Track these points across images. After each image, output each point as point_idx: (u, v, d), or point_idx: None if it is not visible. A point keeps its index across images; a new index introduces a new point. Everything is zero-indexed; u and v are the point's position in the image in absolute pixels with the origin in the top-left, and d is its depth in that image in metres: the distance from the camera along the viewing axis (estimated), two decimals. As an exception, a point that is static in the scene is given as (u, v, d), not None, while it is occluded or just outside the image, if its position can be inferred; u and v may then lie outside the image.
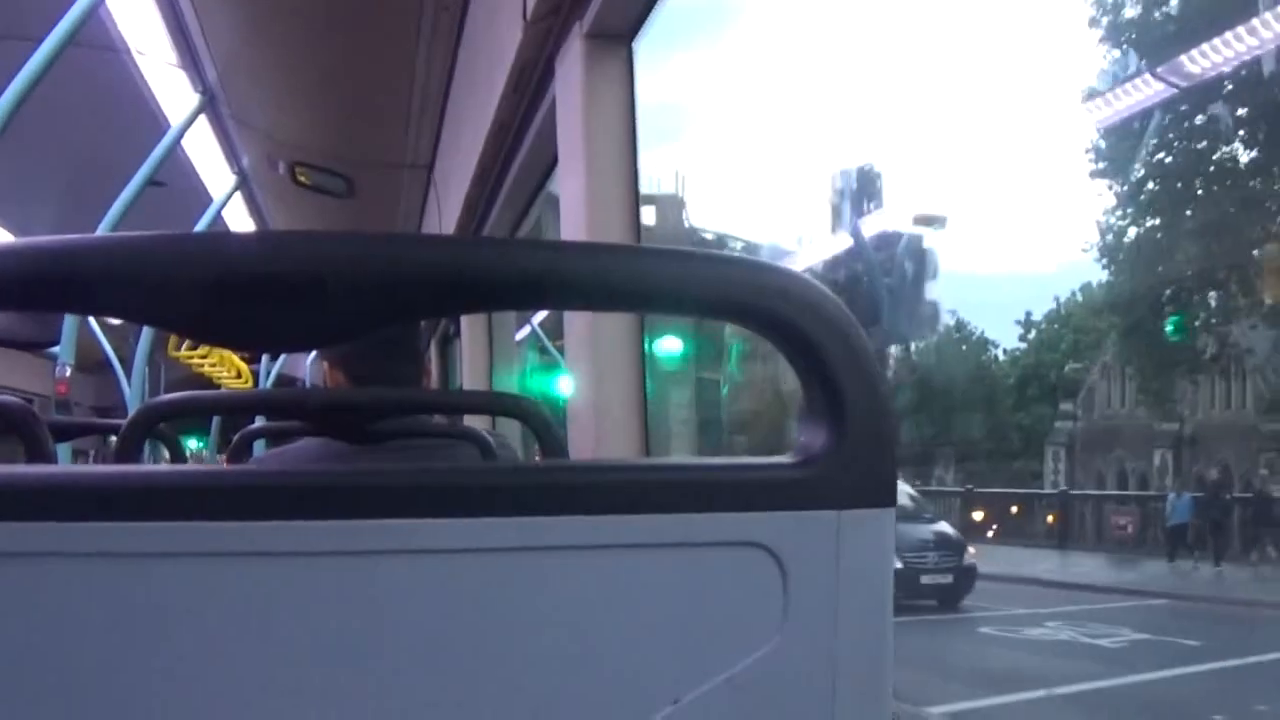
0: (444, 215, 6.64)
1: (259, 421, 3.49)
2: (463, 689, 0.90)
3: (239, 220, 11.93)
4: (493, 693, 0.91)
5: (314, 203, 8.05)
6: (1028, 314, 36.14)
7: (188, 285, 0.85)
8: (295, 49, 5.90)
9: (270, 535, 0.87)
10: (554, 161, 3.47)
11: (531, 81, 3.74)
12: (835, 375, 0.95)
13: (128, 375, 15.70)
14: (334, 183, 7.59)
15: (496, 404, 3.40)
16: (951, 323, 34.57)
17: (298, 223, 10.06)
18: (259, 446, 4.62)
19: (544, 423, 2.64)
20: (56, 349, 12.70)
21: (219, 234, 0.93)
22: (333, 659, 0.88)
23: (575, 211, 3.09)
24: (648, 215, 32.11)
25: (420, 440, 2.91)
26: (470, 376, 6.98)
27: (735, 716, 0.94)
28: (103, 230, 10.20)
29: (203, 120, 8.66)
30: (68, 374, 11.98)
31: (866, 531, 0.96)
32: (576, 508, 0.92)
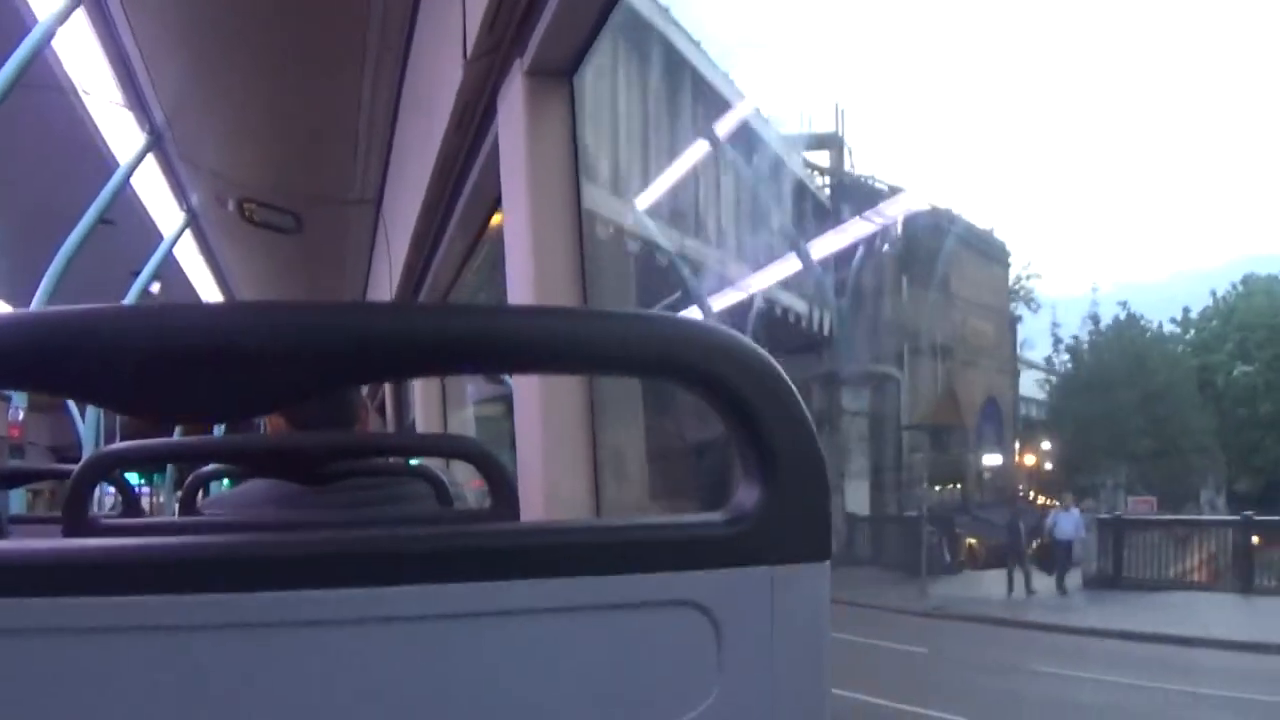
0: (393, 250, 6.62)
1: (213, 465, 3.48)
2: None
3: (189, 257, 11.86)
4: None
5: (263, 239, 8.03)
6: (1185, 310, 30.77)
7: (119, 360, 0.86)
8: (242, 88, 5.89)
9: (204, 609, 0.87)
10: (499, 195, 3.48)
11: (474, 118, 3.75)
12: (766, 433, 0.96)
13: (82, 414, 15.56)
14: (283, 219, 7.57)
15: (447, 446, 3.38)
16: (1122, 316, 30.65)
17: (248, 259, 10.02)
18: (214, 485, 4.61)
19: (494, 467, 2.64)
20: (10, 391, 12.61)
21: (150, 307, 0.92)
22: None
23: (519, 247, 3.10)
24: (821, 159, 30.49)
25: (371, 480, 2.92)
26: (424, 408, 6.96)
27: None
28: (54, 268, 10.14)
29: (151, 159, 8.62)
30: (20, 417, 11.91)
31: (800, 586, 0.97)
32: (506, 572, 0.92)
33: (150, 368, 0.86)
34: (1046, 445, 31.25)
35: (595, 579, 0.94)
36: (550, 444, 2.94)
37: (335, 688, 0.89)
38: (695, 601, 0.95)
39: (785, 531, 0.97)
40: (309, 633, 0.89)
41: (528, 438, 3.07)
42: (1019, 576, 23.23)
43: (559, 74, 3.05)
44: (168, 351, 0.86)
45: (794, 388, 0.97)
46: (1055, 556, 23.33)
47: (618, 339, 0.96)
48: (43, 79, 7.36)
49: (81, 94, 7.74)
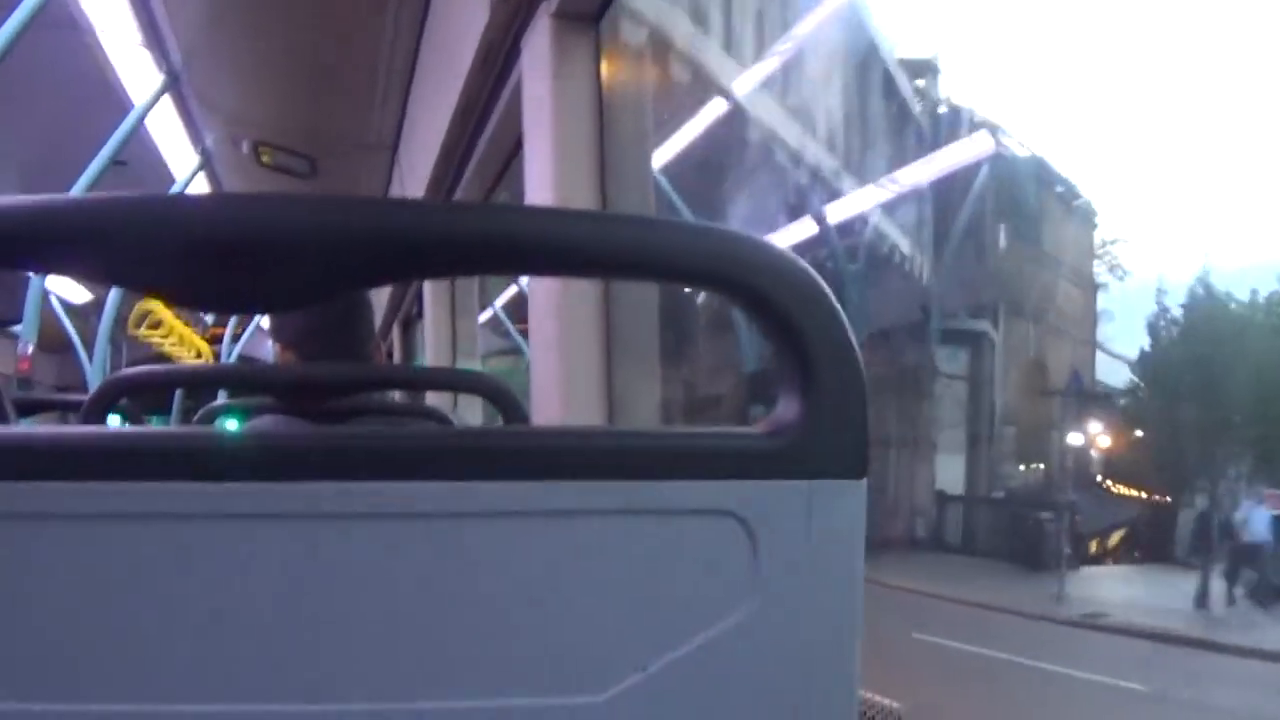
0: (408, 196, 6.62)
1: (222, 398, 3.49)
2: (428, 654, 0.91)
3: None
4: (458, 658, 0.92)
5: (277, 183, 8.00)
6: (1254, 292, 28.48)
7: (158, 247, 0.85)
8: (260, 29, 5.87)
9: (243, 498, 0.88)
10: (519, 142, 3.47)
11: (497, 61, 3.74)
12: (808, 347, 0.96)
13: (89, 355, 15.59)
14: (297, 163, 7.57)
15: (461, 380, 3.38)
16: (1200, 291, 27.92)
17: (260, 203, 9.99)
18: (221, 424, 4.62)
19: (509, 399, 2.64)
20: (18, 327, 12.60)
21: (190, 196, 0.93)
22: (297, 623, 0.89)
23: (541, 193, 3.09)
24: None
25: (380, 417, 2.93)
26: (434, 357, 6.96)
27: (703, 685, 0.95)
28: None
29: (166, 100, 8.60)
30: (29, 351, 11.89)
31: (837, 502, 0.97)
32: (547, 473, 0.92)
33: (197, 256, 0.86)
34: (1128, 428, 28.27)
35: (630, 484, 0.94)
36: (566, 370, 2.94)
37: (359, 581, 0.90)
38: (732, 511, 0.95)
39: (824, 446, 0.97)
40: (333, 525, 0.90)
41: (543, 364, 3.07)
42: (1208, 583, 19.94)
43: (586, 18, 3.04)
44: (216, 240, 0.86)
45: (836, 302, 0.98)
46: (1243, 560, 20.16)
47: (664, 246, 0.96)
48: (60, 18, 7.33)
49: (98, 33, 7.71)
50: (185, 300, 0.91)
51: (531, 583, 0.93)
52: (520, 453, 0.94)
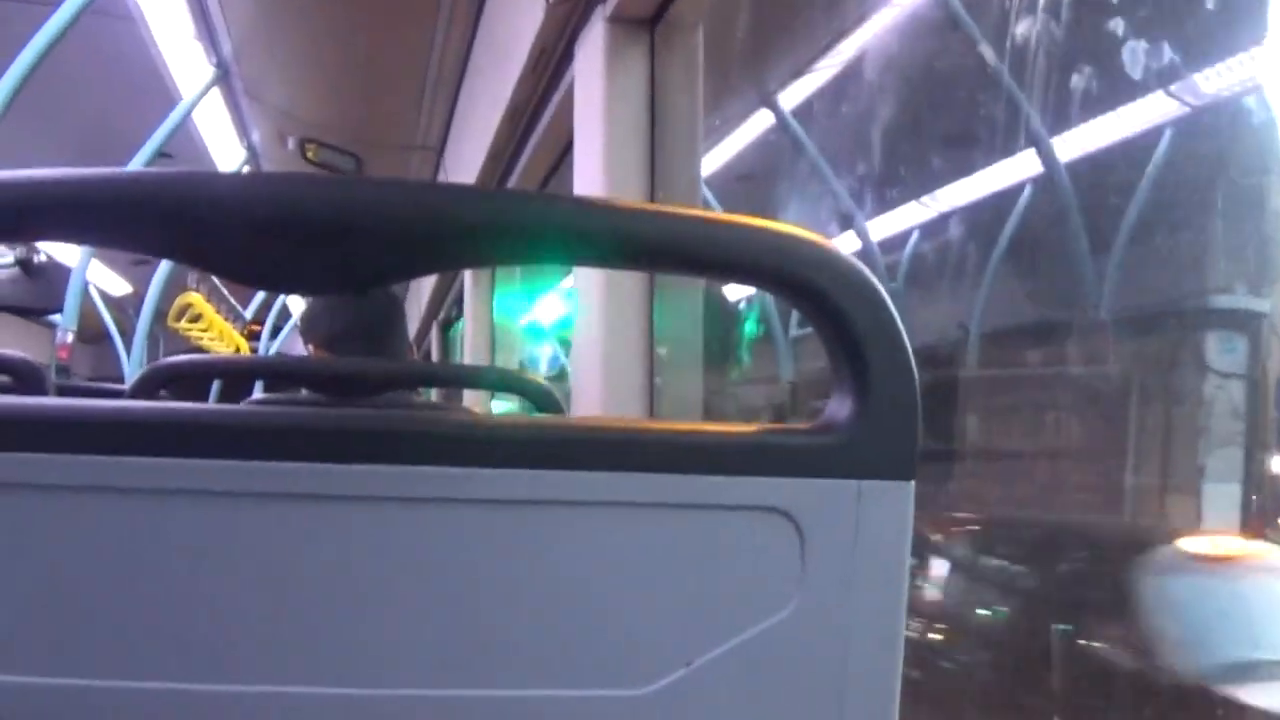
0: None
1: (258, 394, 3.50)
2: (471, 642, 0.91)
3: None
4: (501, 647, 0.91)
5: (321, 181, 8.05)
6: None
7: (224, 224, 0.85)
8: (312, 25, 5.91)
9: (286, 477, 0.88)
10: (568, 147, 3.48)
11: (550, 64, 3.75)
12: (862, 345, 0.95)
13: (127, 347, 15.70)
14: (343, 161, 7.61)
15: (501, 380, 3.40)
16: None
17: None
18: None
19: (549, 400, 2.64)
20: (57, 317, 12.71)
21: (256, 175, 0.92)
22: (343, 607, 0.89)
23: (590, 195, 3.09)
24: None
25: None
26: (472, 358, 6.99)
27: (747, 681, 0.95)
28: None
29: (215, 93, 8.66)
30: (69, 340, 11.96)
31: (886, 503, 0.97)
32: (594, 463, 0.92)
33: (263, 234, 0.86)
34: None
35: (683, 477, 0.94)
36: (609, 363, 2.94)
37: (404, 565, 0.90)
38: (782, 509, 0.95)
39: (875, 447, 0.97)
40: (385, 508, 0.90)
41: (585, 356, 3.07)
42: None
43: (641, 22, 3.03)
44: (279, 220, 0.86)
45: (890, 302, 0.97)
46: None
47: (721, 241, 0.96)
48: (114, 6, 7.38)
49: (150, 23, 7.76)
50: (257, 280, 0.91)
51: (578, 573, 0.93)
52: (567, 442, 0.93)
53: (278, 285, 0.93)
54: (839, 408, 0.98)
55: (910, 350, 0.98)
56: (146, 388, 2.51)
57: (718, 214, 0.98)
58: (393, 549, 0.89)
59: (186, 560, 0.87)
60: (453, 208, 0.89)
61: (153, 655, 0.87)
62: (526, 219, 0.91)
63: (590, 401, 2.98)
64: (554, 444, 0.93)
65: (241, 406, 0.93)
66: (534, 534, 0.92)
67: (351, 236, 0.86)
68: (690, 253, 0.96)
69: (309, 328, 3.39)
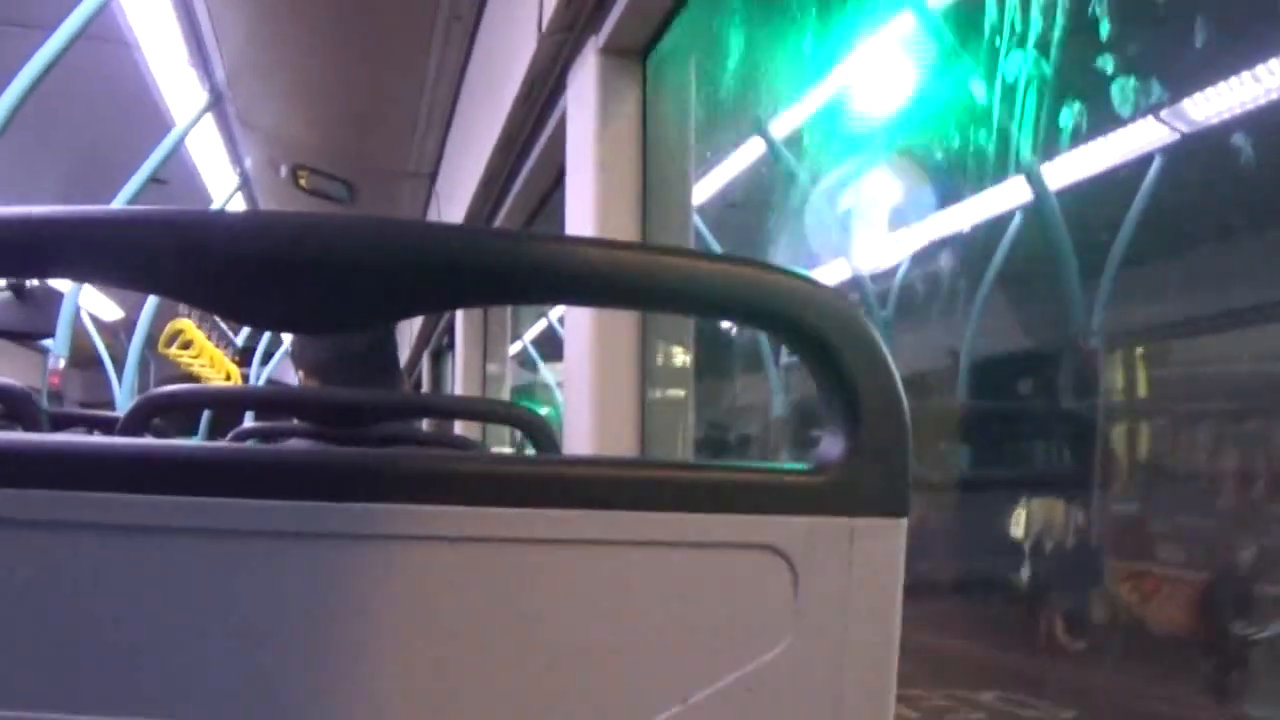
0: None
1: (249, 422, 3.49)
2: (467, 680, 0.91)
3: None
4: (498, 685, 0.91)
5: (314, 208, 8.06)
6: None
7: (218, 263, 0.86)
8: (306, 52, 5.92)
9: (281, 515, 0.88)
10: (560, 176, 3.49)
11: (542, 94, 3.76)
12: (853, 384, 0.96)
13: (118, 373, 15.67)
14: (336, 188, 7.62)
15: (493, 410, 3.40)
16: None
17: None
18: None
19: (545, 436, 2.64)
20: (49, 341, 12.69)
21: (251, 213, 0.93)
22: (332, 645, 0.89)
23: (581, 226, 3.10)
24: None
25: (412, 447, 2.93)
26: (463, 388, 6.99)
27: (743, 718, 0.95)
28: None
29: (208, 119, 8.67)
30: (61, 365, 11.95)
31: (879, 540, 0.97)
32: (590, 502, 0.92)
33: (258, 272, 0.86)
34: None
35: (673, 515, 0.94)
36: (600, 399, 2.94)
37: (392, 604, 0.90)
38: (774, 546, 0.95)
39: (868, 484, 0.97)
40: (368, 547, 0.89)
41: (576, 384, 3.07)
42: None
43: (633, 53, 3.05)
44: (276, 258, 0.86)
45: (881, 340, 0.97)
46: None
47: (710, 279, 0.96)
48: (108, 32, 7.39)
49: (145, 49, 7.78)
50: (249, 318, 0.91)
51: (569, 612, 0.92)
52: (563, 481, 0.93)
53: (269, 324, 0.93)
54: (831, 446, 0.98)
55: (901, 387, 0.98)
56: (138, 418, 2.50)
57: (706, 252, 0.98)
58: (381, 587, 0.89)
59: (172, 596, 0.87)
60: (432, 247, 0.89)
61: (142, 692, 0.87)
62: (514, 259, 0.91)
63: (582, 438, 2.98)
64: (544, 482, 0.93)
65: (229, 445, 0.93)
66: (523, 573, 0.91)
67: (337, 276, 0.86)
68: (678, 292, 0.96)
69: (299, 355, 3.39)
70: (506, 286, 0.95)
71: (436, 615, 0.90)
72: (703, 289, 0.96)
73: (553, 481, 0.93)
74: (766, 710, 0.95)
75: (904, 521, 0.98)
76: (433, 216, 7.48)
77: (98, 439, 0.91)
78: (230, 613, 0.88)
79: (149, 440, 0.92)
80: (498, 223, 5.22)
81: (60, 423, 3.92)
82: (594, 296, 1.01)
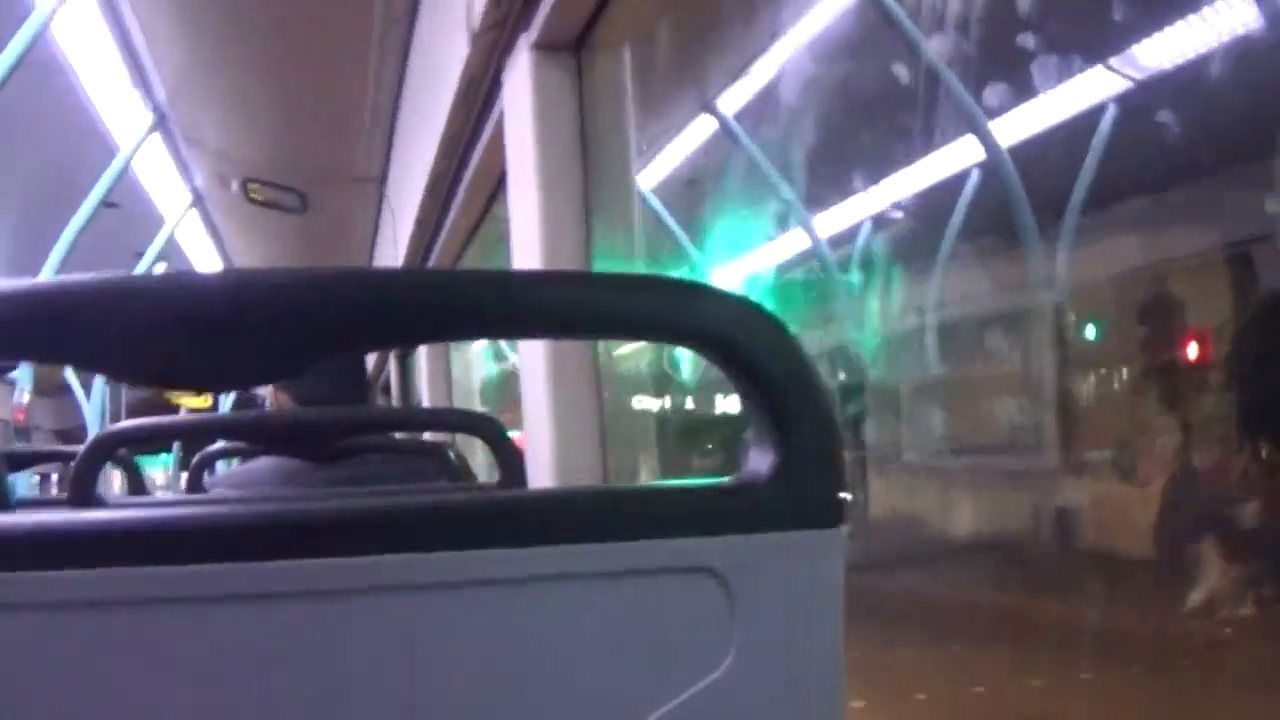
0: (398, 229, 6.64)
1: (220, 443, 3.48)
2: None
3: (194, 239, 11.90)
4: None
5: (268, 220, 8.05)
6: None
7: (122, 329, 0.84)
8: (245, 67, 5.90)
9: (209, 579, 0.86)
10: (504, 172, 3.47)
11: (480, 93, 3.74)
12: (779, 396, 0.95)
13: (88, 396, 15.64)
14: (288, 198, 7.60)
15: (457, 421, 3.38)
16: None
17: (252, 240, 10.06)
18: (220, 465, 4.61)
19: (503, 442, 2.63)
20: (14, 374, 12.67)
21: (152, 276, 0.91)
22: (283, 699, 0.87)
23: (526, 224, 3.09)
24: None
25: (380, 456, 2.92)
26: (430, 390, 6.98)
27: None
28: (57, 251, 10.18)
29: (155, 140, 8.64)
30: (25, 400, 11.95)
31: (816, 552, 0.96)
32: (523, 539, 0.91)
33: (154, 335, 0.85)
34: None
35: (606, 545, 0.93)
36: (558, 418, 2.93)
37: (340, 656, 0.88)
38: (709, 567, 0.94)
39: (800, 497, 0.96)
40: (315, 601, 0.88)
41: (535, 413, 3.06)
42: None
43: (566, 47, 3.03)
44: (171, 319, 0.85)
45: (807, 353, 0.96)
46: None
47: (627, 303, 0.95)
48: (44, 60, 7.36)
49: (83, 75, 7.75)
50: (153, 380, 0.89)
51: (508, 649, 0.91)
52: (488, 519, 0.92)
53: (196, 386, 0.92)
54: (760, 460, 0.96)
55: (830, 398, 0.98)
56: (96, 456, 2.48)
57: (623, 275, 0.98)
58: (311, 641, 0.88)
59: (134, 673, 0.85)
60: (355, 294, 0.88)
61: None
62: (438, 300, 0.90)
63: (543, 468, 2.97)
64: (473, 521, 0.92)
65: (184, 512, 0.91)
66: (456, 614, 0.90)
67: (261, 331, 0.85)
68: (596, 316, 0.96)
69: None
70: (429, 327, 0.94)
71: (366, 663, 0.88)
72: (618, 311, 0.95)
73: (472, 520, 0.92)
74: None
75: (841, 530, 0.97)
76: (385, 220, 7.47)
77: (38, 516, 0.89)
78: (170, 678, 0.86)
79: (66, 515, 0.90)
80: (448, 223, 5.20)
81: (19, 462, 3.90)
82: (507, 330, 1.00)
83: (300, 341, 0.87)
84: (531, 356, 3.07)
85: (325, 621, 0.88)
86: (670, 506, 0.96)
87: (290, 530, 0.89)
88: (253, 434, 2.77)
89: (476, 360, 9.05)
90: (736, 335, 0.94)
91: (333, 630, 0.88)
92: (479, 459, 4.73)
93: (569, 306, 0.94)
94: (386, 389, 9.45)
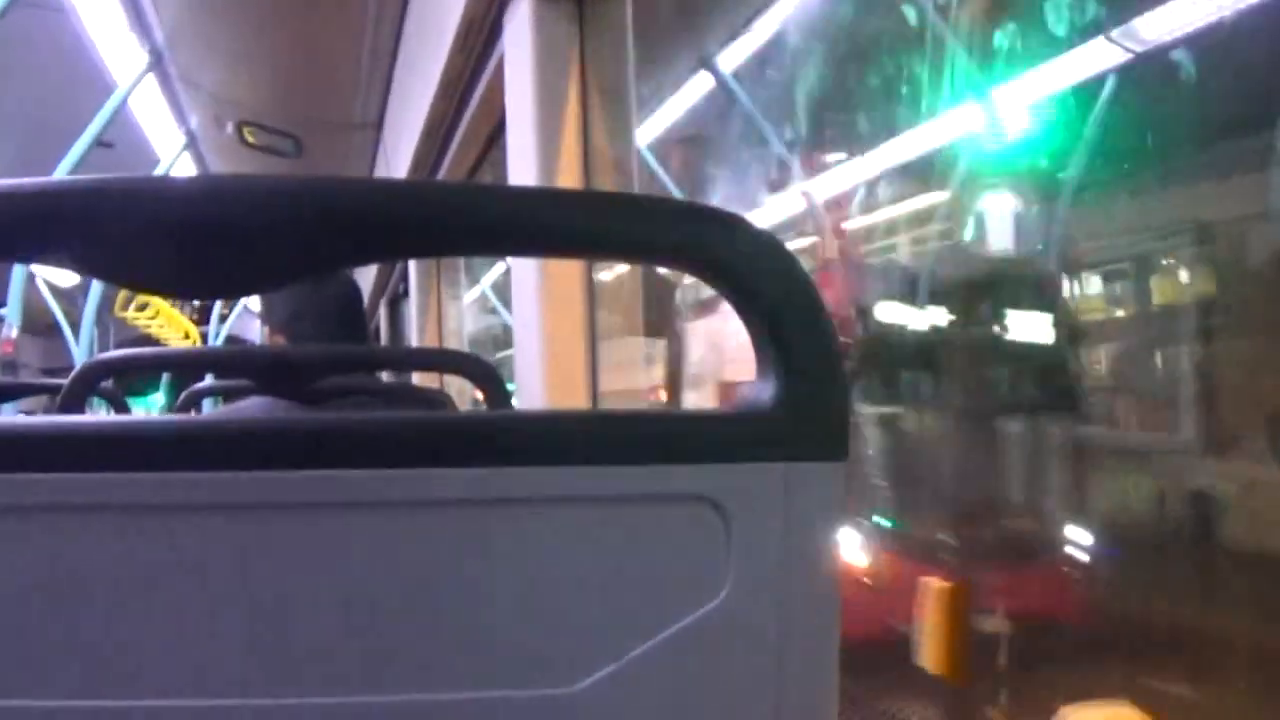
0: (392, 175, 6.61)
1: (208, 380, 3.47)
2: (395, 646, 0.90)
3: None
4: (427, 650, 0.90)
5: (263, 164, 8.01)
6: None
7: (118, 232, 0.84)
8: (243, 8, 5.87)
9: (192, 487, 0.86)
10: (502, 120, 3.46)
11: (479, 39, 3.73)
12: (782, 323, 0.94)
13: (76, 338, 15.61)
14: (282, 143, 7.57)
15: (442, 360, 3.37)
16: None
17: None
18: (207, 405, 4.61)
19: (491, 379, 2.62)
20: (3, 309, 12.63)
21: (154, 178, 0.91)
22: (264, 611, 0.88)
23: (523, 170, 3.08)
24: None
25: (367, 398, 2.92)
26: (419, 337, 6.97)
27: (681, 672, 0.94)
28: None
29: (151, 80, 8.60)
30: (14, 334, 11.91)
31: (815, 485, 0.96)
32: (515, 459, 0.91)
33: (149, 239, 0.84)
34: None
35: (602, 469, 0.92)
36: (550, 351, 2.93)
37: (329, 571, 0.88)
38: (707, 496, 0.93)
39: (801, 428, 0.95)
40: (305, 515, 0.88)
41: (527, 345, 3.06)
42: None
43: (569, -7, 3.02)
44: (167, 223, 0.85)
45: (813, 280, 0.96)
46: None
47: (625, 222, 0.95)
48: (42, -1, 7.34)
49: (81, 14, 7.71)
50: (157, 287, 0.89)
51: (502, 571, 0.91)
52: (486, 438, 0.92)
53: (196, 293, 0.91)
54: (762, 389, 0.96)
55: (834, 329, 0.96)
56: (82, 386, 2.47)
57: (625, 194, 0.97)
58: (308, 553, 0.88)
59: (132, 576, 0.85)
60: (350, 203, 0.88)
61: (103, 674, 0.85)
62: (430, 212, 0.90)
63: (533, 390, 2.97)
64: (467, 440, 0.91)
65: (164, 417, 0.91)
66: (456, 534, 0.90)
67: (263, 237, 0.85)
68: (597, 236, 0.95)
69: (268, 311, 3.37)
70: (421, 240, 0.93)
71: (361, 579, 0.89)
72: (618, 231, 0.95)
73: (471, 440, 0.92)
74: (705, 664, 0.94)
75: (842, 464, 0.96)
76: (380, 168, 7.45)
77: (10, 420, 0.89)
78: (164, 587, 0.87)
79: (59, 418, 0.90)
80: (443, 170, 5.19)
81: (7, 394, 3.90)
82: (506, 246, 1.00)
83: (287, 250, 0.87)
84: (525, 284, 3.06)
85: (316, 535, 0.88)
86: (668, 432, 0.96)
87: (274, 440, 0.88)
88: (240, 367, 2.77)
89: (468, 318, 9.01)
90: (742, 261, 0.94)
91: (321, 544, 0.88)
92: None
93: (571, 222, 0.93)
94: (376, 333, 9.44)
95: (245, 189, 0.87)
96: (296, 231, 0.87)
